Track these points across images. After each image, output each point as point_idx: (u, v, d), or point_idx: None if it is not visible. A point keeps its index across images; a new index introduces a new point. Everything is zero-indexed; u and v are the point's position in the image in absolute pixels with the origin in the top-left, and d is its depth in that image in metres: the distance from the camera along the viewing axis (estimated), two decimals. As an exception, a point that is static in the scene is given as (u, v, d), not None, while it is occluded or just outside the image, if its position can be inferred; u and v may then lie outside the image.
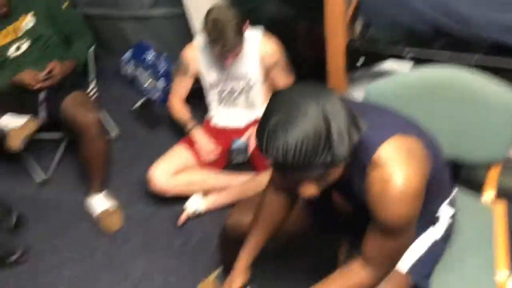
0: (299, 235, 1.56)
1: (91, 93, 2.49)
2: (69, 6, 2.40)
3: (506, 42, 1.59)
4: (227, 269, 1.80)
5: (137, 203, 2.35)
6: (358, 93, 1.99)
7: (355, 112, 0.99)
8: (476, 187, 1.73)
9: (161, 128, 2.73)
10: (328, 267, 1.28)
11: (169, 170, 2.18)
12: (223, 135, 2.27)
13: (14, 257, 2.14)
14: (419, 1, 1.66)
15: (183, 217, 2.19)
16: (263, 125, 0.96)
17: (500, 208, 1.52)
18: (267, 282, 1.88)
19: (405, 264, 1.27)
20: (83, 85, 2.44)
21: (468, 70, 1.43)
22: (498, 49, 1.61)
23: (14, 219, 2.26)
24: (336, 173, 1.02)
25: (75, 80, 2.37)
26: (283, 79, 2.17)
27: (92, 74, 2.53)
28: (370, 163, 1.06)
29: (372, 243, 1.15)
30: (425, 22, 1.68)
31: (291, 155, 0.92)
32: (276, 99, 0.99)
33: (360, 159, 1.07)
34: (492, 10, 1.58)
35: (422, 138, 1.13)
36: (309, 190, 1.03)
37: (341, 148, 0.94)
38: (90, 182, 2.30)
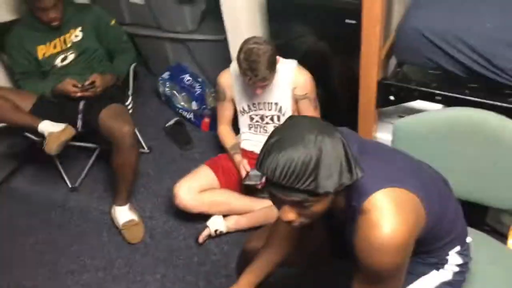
0: (314, 262, 1.57)
1: (128, 107, 2.59)
2: (116, 23, 2.54)
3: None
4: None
5: (160, 217, 2.41)
6: (386, 130, 2.02)
7: (355, 158, 1.03)
8: (503, 231, 1.72)
9: (190, 148, 2.80)
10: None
11: (194, 188, 2.23)
12: (250, 160, 2.32)
13: None
14: (453, 43, 1.70)
15: (204, 235, 2.22)
16: (265, 142, 1.04)
17: (523, 256, 1.50)
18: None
19: None
20: (121, 99, 2.54)
21: (497, 115, 1.45)
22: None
23: None
24: (319, 207, 1.05)
25: (114, 93, 2.48)
26: (310, 112, 2.21)
27: (130, 89, 2.64)
28: (361, 209, 1.08)
29: (359, 281, 1.16)
30: (458, 65, 1.71)
31: (278, 173, 0.98)
32: (286, 122, 1.07)
33: (353, 204, 1.10)
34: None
35: (426, 190, 1.13)
36: (288, 215, 1.07)
37: (326, 182, 0.98)
38: (116, 193, 2.37)
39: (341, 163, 0.99)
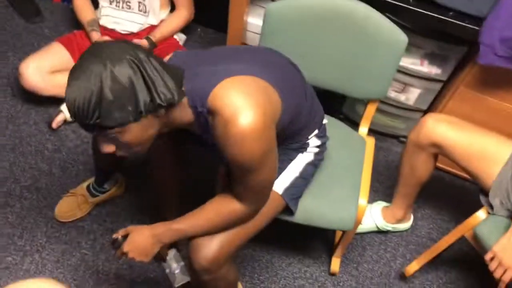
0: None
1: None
2: None
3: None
4: (99, 177, 1.78)
5: (6, 100, 2.12)
6: (258, 15, 1.95)
7: (164, 76, 0.98)
8: (356, 120, 1.83)
9: (39, 20, 2.44)
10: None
11: (44, 68, 1.97)
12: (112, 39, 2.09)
13: None
14: None
15: (58, 120, 2.02)
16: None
17: (371, 142, 1.63)
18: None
19: (280, 186, 1.32)
20: None
21: (365, 5, 1.45)
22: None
23: None
24: (130, 137, 1.01)
25: None
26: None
27: None
28: (209, 109, 1.02)
29: (234, 181, 1.13)
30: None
31: (71, 110, 0.95)
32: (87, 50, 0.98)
33: (199, 110, 1.04)
34: None
35: (276, 79, 1.09)
36: (105, 148, 1.05)
37: (113, 115, 0.94)
38: None
39: (133, 90, 0.94)
